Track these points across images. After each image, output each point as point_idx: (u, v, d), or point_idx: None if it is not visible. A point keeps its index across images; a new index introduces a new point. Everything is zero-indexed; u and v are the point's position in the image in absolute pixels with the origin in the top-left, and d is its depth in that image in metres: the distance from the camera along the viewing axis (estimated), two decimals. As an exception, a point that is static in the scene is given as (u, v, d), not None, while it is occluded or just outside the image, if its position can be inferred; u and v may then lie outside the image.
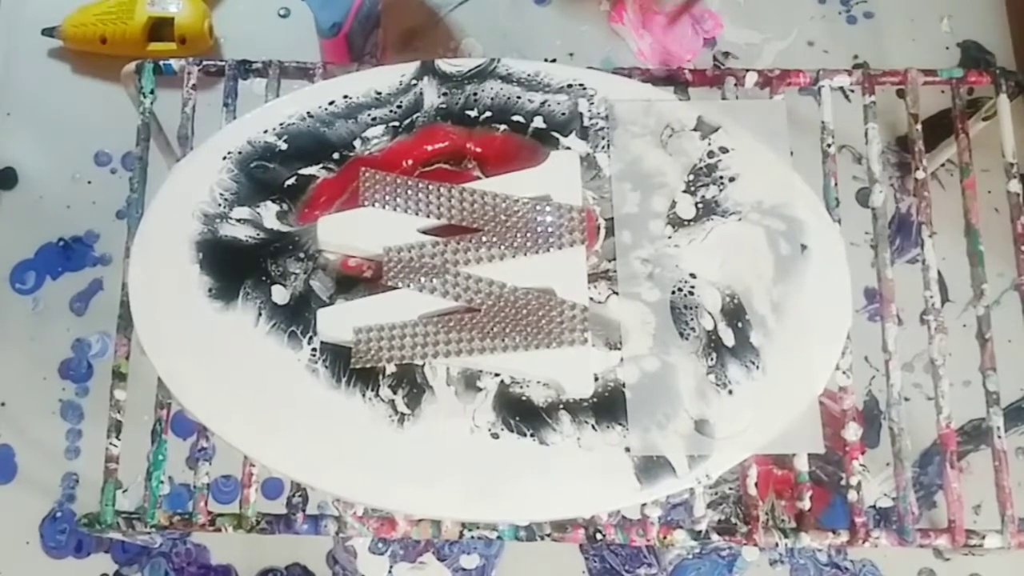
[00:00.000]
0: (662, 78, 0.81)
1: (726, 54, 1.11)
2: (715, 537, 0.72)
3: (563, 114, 0.77)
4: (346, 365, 0.70)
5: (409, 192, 0.74)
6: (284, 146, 0.77)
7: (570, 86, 0.78)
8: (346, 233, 0.73)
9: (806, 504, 0.72)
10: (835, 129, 0.80)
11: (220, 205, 0.75)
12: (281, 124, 0.77)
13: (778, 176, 0.76)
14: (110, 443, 0.74)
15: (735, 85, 0.81)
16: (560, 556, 0.94)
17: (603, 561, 0.95)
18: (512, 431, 0.69)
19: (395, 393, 0.70)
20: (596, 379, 0.70)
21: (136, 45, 1.06)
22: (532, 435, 0.69)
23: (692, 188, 0.75)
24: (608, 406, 0.70)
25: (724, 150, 0.76)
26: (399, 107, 0.78)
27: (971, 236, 0.79)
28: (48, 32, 1.08)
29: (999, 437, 0.74)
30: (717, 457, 0.69)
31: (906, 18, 1.12)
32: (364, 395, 0.70)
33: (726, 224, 0.74)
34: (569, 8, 1.13)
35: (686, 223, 0.74)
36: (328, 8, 0.97)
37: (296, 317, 0.72)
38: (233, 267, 0.73)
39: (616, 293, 0.72)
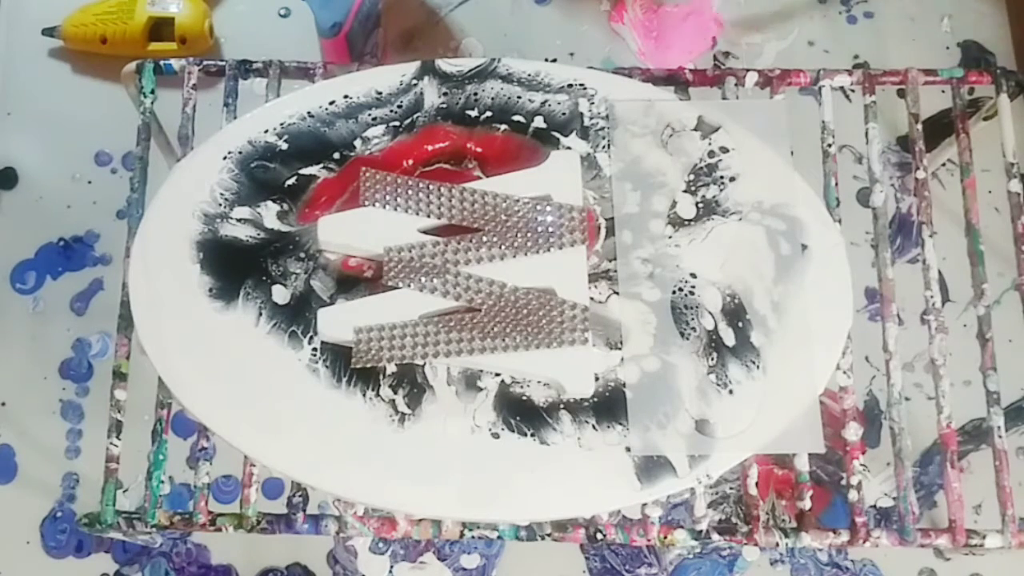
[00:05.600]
0: (662, 78, 0.81)
1: (726, 54, 1.11)
2: (716, 537, 0.72)
3: (563, 114, 0.77)
4: (346, 365, 0.70)
5: (409, 192, 0.74)
6: (284, 146, 0.77)
7: (570, 86, 0.78)
8: (346, 233, 0.73)
9: (807, 504, 0.72)
10: (835, 129, 0.80)
11: (220, 205, 0.75)
12: (281, 124, 0.77)
13: (778, 176, 0.76)
14: (110, 443, 0.74)
15: (735, 85, 0.81)
16: (560, 556, 0.94)
17: (604, 561, 0.95)
18: (513, 431, 0.69)
19: (395, 393, 0.70)
20: (596, 379, 0.70)
21: (136, 45, 1.06)
22: (532, 435, 0.69)
23: (692, 188, 0.75)
24: (608, 406, 0.70)
25: (724, 150, 0.76)
26: (399, 107, 0.78)
27: (971, 236, 0.79)
28: (48, 32, 1.08)
29: (1000, 437, 0.74)
30: (717, 457, 0.69)
31: (906, 18, 1.12)
32: (364, 395, 0.70)
33: (727, 224, 0.74)
34: (569, 8, 1.13)
35: (686, 223, 0.74)
36: (328, 8, 0.97)
37: (297, 317, 0.72)
38: (233, 267, 0.73)
39: (616, 293, 0.72)
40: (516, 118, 0.77)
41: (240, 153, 0.76)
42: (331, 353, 0.71)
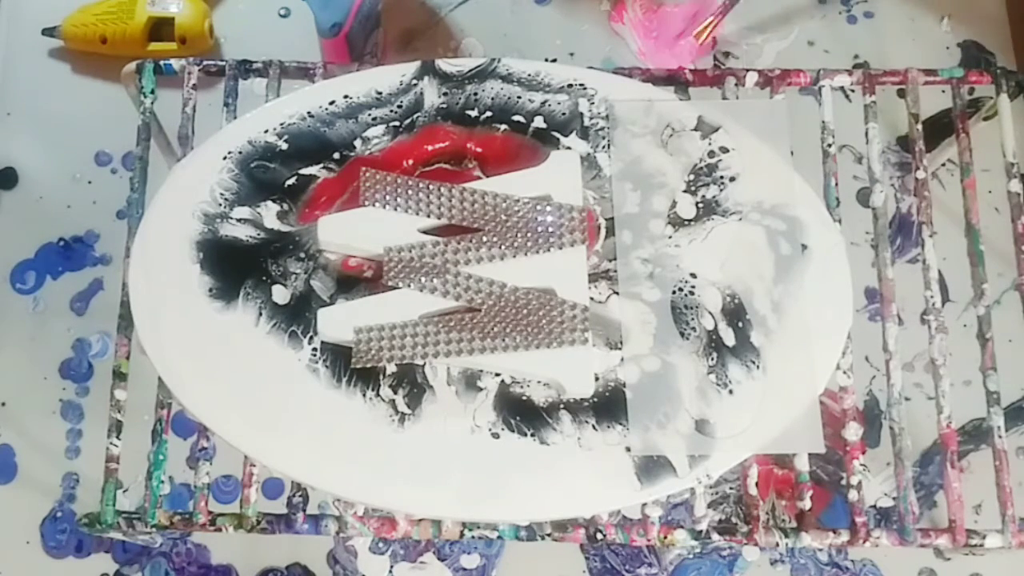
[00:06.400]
0: (662, 78, 0.81)
1: (726, 54, 1.11)
2: (716, 537, 0.72)
3: (563, 114, 0.77)
4: (346, 365, 0.70)
5: (410, 192, 0.74)
6: (284, 146, 0.77)
7: (570, 86, 0.78)
8: (347, 233, 0.73)
9: (807, 504, 0.72)
10: (835, 129, 0.80)
11: (220, 205, 0.75)
12: (281, 124, 0.77)
13: (778, 176, 0.76)
14: (110, 443, 0.74)
15: (735, 85, 0.81)
16: (560, 556, 0.94)
17: (604, 561, 0.95)
18: (513, 431, 0.69)
19: (395, 393, 0.70)
20: (596, 379, 0.70)
21: (136, 45, 1.06)
22: (532, 435, 0.69)
23: (692, 188, 0.75)
24: (608, 406, 0.70)
25: (724, 150, 0.76)
26: (399, 107, 0.78)
27: (971, 236, 0.79)
28: (48, 32, 1.08)
29: (1000, 437, 0.74)
30: (718, 457, 0.69)
31: (906, 18, 1.12)
32: (364, 395, 0.70)
33: (727, 224, 0.74)
34: (569, 8, 1.13)
35: (686, 223, 0.74)
36: (328, 8, 0.97)
37: (296, 317, 0.72)
38: (233, 267, 0.73)
39: (616, 293, 0.72)
40: (516, 118, 0.77)
41: (240, 153, 0.76)
42: (331, 353, 0.71)
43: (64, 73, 1.10)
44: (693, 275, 0.73)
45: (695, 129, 0.77)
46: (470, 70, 0.79)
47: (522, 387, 0.70)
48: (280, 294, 0.72)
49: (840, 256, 0.74)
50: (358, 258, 0.74)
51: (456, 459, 0.69)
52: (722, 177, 0.76)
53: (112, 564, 0.94)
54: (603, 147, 0.76)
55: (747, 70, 0.82)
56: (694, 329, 0.72)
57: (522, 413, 0.70)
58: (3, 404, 0.99)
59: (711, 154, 0.76)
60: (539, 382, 0.70)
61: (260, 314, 0.72)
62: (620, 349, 0.71)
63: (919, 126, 0.81)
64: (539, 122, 0.77)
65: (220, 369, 0.71)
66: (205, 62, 0.82)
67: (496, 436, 0.69)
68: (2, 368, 1.00)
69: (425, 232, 0.73)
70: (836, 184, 0.78)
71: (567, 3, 1.13)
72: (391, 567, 0.94)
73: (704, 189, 0.75)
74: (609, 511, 0.71)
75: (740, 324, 0.72)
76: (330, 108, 0.78)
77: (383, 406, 0.70)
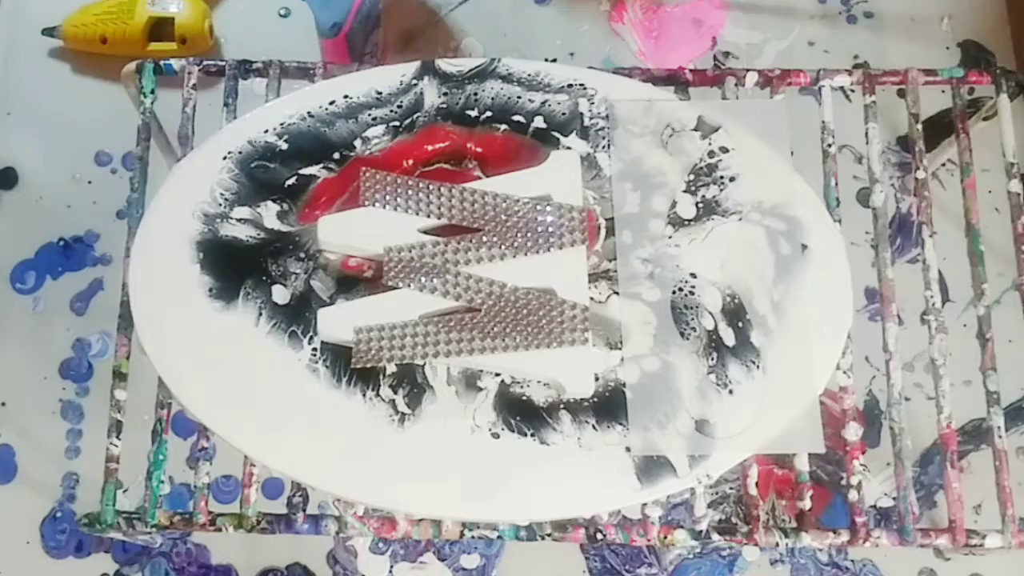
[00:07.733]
0: (662, 78, 0.81)
1: (726, 54, 1.11)
2: (716, 537, 0.72)
3: (563, 114, 0.77)
4: (346, 365, 0.70)
5: (410, 192, 0.74)
6: (284, 146, 0.77)
7: (570, 86, 0.78)
8: (347, 233, 0.73)
9: (807, 504, 0.72)
10: (835, 129, 0.80)
11: (220, 205, 0.75)
12: (281, 124, 0.77)
13: (778, 176, 0.76)
14: (110, 443, 0.74)
15: (735, 85, 0.81)
16: (561, 556, 0.94)
17: (604, 561, 0.95)
18: (512, 431, 0.69)
19: (395, 393, 0.70)
20: (596, 379, 0.70)
21: (136, 45, 1.06)
22: (532, 435, 0.69)
23: (692, 188, 0.75)
24: (608, 406, 0.70)
25: (724, 150, 0.76)
26: (399, 107, 0.78)
27: (971, 236, 0.79)
28: (48, 32, 1.08)
29: (999, 437, 0.74)
30: (718, 457, 0.69)
31: (906, 18, 1.12)
32: (364, 395, 0.70)
33: (727, 224, 0.74)
34: (569, 8, 1.13)
35: (686, 223, 0.74)
36: (328, 8, 0.97)
37: (296, 317, 0.72)
38: (233, 267, 0.73)
39: (617, 293, 0.72)
40: (516, 118, 0.77)
41: (240, 153, 0.76)
42: (331, 353, 0.71)
43: (64, 73, 1.10)
44: (693, 275, 0.73)
45: (695, 129, 0.77)
46: (470, 70, 0.79)
47: (522, 387, 0.70)
48: (280, 294, 0.72)
49: (840, 256, 0.74)
50: (358, 258, 0.74)
51: (456, 459, 0.69)
52: (722, 177, 0.76)
53: (112, 564, 0.94)
54: (603, 147, 0.76)
55: (747, 70, 0.82)
56: (694, 329, 0.72)
57: (522, 413, 0.70)
58: (3, 404, 0.99)
59: (711, 154, 0.76)
60: (539, 382, 0.70)
61: (260, 314, 0.72)
62: (620, 349, 0.71)
63: (919, 126, 0.81)
64: (539, 122, 0.77)
65: (220, 369, 0.71)
66: (205, 62, 0.82)
67: (496, 436, 0.69)
68: (2, 368, 1.00)
69: (425, 232, 0.73)
70: (836, 184, 0.78)
71: (567, 3, 1.13)
72: (391, 567, 0.94)
73: (704, 189, 0.75)
74: (609, 511, 0.71)
75: (740, 324, 0.72)
76: (330, 108, 0.78)
77: (383, 406, 0.70)
